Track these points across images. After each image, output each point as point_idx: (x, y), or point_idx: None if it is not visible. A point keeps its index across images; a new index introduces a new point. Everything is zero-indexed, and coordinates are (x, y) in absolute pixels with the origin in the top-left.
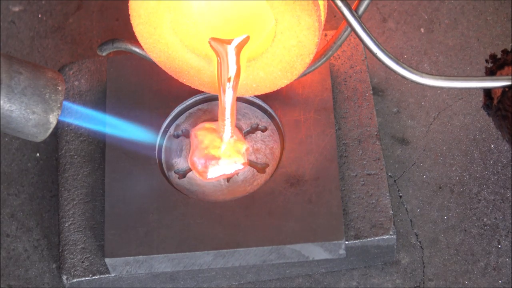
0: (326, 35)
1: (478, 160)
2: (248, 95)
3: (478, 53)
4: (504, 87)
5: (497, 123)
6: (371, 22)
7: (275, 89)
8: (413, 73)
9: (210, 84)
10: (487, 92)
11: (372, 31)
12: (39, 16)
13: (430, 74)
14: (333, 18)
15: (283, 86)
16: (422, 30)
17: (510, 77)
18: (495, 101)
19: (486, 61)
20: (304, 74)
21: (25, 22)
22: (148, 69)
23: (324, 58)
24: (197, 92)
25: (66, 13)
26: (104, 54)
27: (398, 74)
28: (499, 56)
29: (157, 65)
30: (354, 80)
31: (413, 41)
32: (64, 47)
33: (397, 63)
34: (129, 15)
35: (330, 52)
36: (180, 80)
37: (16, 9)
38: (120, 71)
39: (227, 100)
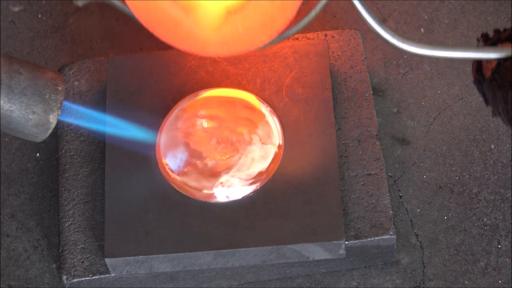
0: (326, 35)
1: (478, 160)
2: (224, 54)
3: None
4: (501, 58)
5: (490, 95)
6: None
7: (253, 48)
8: (394, 37)
9: (185, 39)
10: (479, 67)
11: (371, 32)
12: (39, 16)
13: (414, 41)
14: (333, 18)
15: (261, 45)
16: (422, 30)
17: (510, 48)
18: (488, 74)
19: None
20: (284, 36)
21: (25, 22)
22: (148, 69)
23: (306, 19)
24: (197, 91)
25: (66, 13)
26: (80, 5)
27: (380, 37)
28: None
29: (157, 66)
30: (354, 80)
31: None
32: (64, 47)
33: (380, 25)
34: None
35: (313, 13)
36: (155, 34)
37: (16, 9)
38: (120, 71)
39: None
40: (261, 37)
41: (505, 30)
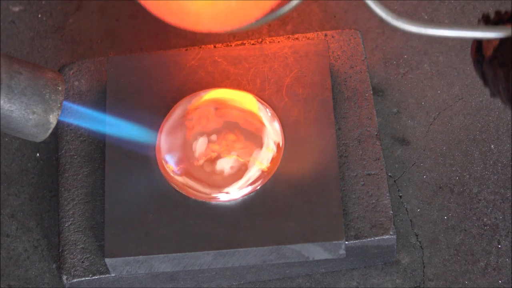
0: (326, 35)
1: (478, 160)
2: (216, 29)
3: None
4: (502, 38)
5: (491, 74)
6: (371, 22)
7: (246, 23)
8: (388, 14)
9: (177, 14)
10: (478, 47)
11: (371, 32)
12: (39, 16)
13: (409, 18)
14: (333, 18)
15: (253, 20)
16: None
17: (511, 28)
18: (490, 52)
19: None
20: (279, 14)
21: (25, 22)
22: (148, 69)
23: None
24: (197, 91)
25: (66, 13)
26: None
27: (373, 13)
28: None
29: (157, 66)
30: (354, 80)
31: (413, 41)
32: (64, 47)
33: (374, 1)
34: (129, 15)
35: None
36: (147, 8)
37: (16, 9)
38: (120, 71)
39: None
40: (254, 11)
41: (506, 12)
